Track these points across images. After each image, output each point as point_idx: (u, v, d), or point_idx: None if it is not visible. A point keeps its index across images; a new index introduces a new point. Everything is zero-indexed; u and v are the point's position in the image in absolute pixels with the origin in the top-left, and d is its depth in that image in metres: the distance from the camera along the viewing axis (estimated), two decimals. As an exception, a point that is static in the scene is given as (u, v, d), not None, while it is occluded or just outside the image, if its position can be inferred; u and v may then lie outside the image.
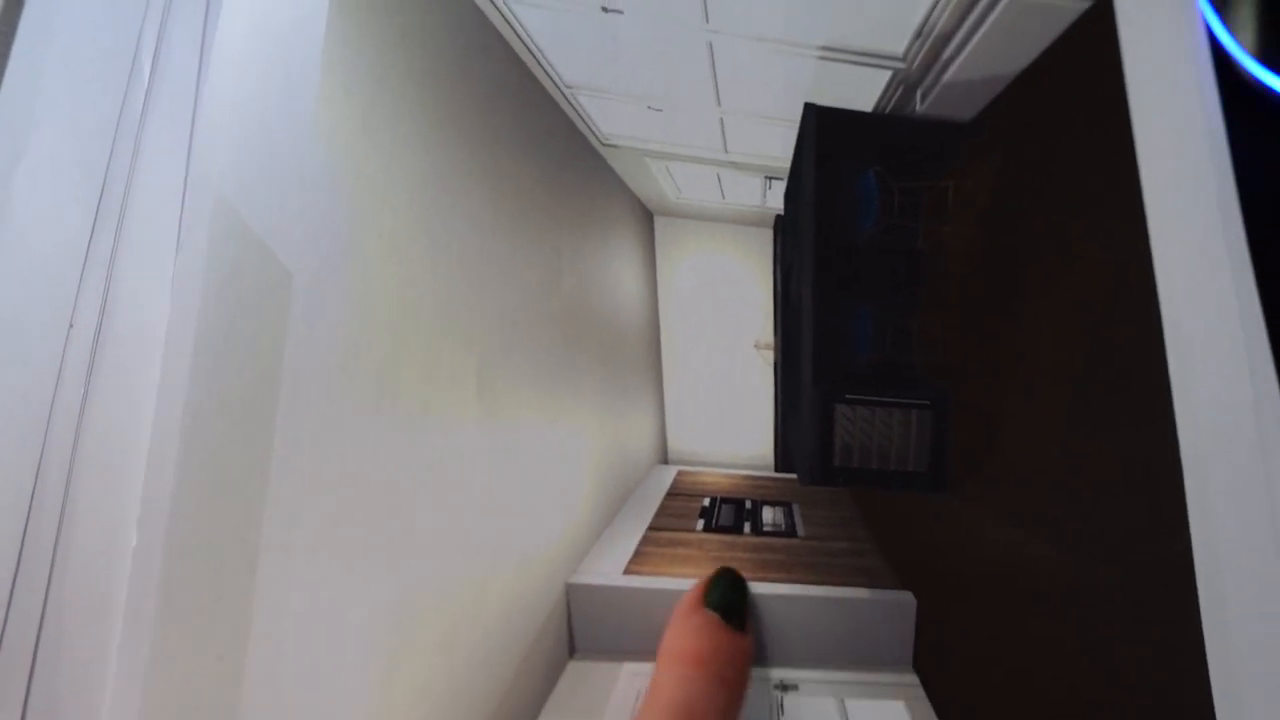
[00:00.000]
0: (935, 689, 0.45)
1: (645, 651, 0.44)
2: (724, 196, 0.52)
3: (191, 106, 0.48)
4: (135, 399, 0.43)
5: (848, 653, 0.45)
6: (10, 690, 0.39)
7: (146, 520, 0.40)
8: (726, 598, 0.43)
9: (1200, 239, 0.50)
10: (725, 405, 0.49)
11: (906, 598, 0.46)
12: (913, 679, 0.45)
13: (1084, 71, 0.54)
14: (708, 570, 0.45)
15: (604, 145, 0.52)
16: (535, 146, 0.51)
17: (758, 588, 0.45)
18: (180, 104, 0.48)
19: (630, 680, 0.43)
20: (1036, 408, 0.49)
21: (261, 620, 0.39)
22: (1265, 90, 0.56)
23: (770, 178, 0.53)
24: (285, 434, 0.42)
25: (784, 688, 0.44)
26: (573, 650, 0.44)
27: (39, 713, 0.39)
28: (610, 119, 0.53)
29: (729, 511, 0.48)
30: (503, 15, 0.51)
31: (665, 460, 0.49)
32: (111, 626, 0.40)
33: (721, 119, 0.53)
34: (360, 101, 0.47)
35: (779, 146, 0.53)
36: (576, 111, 0.52)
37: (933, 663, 0.46)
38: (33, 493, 0.41)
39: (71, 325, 0.44)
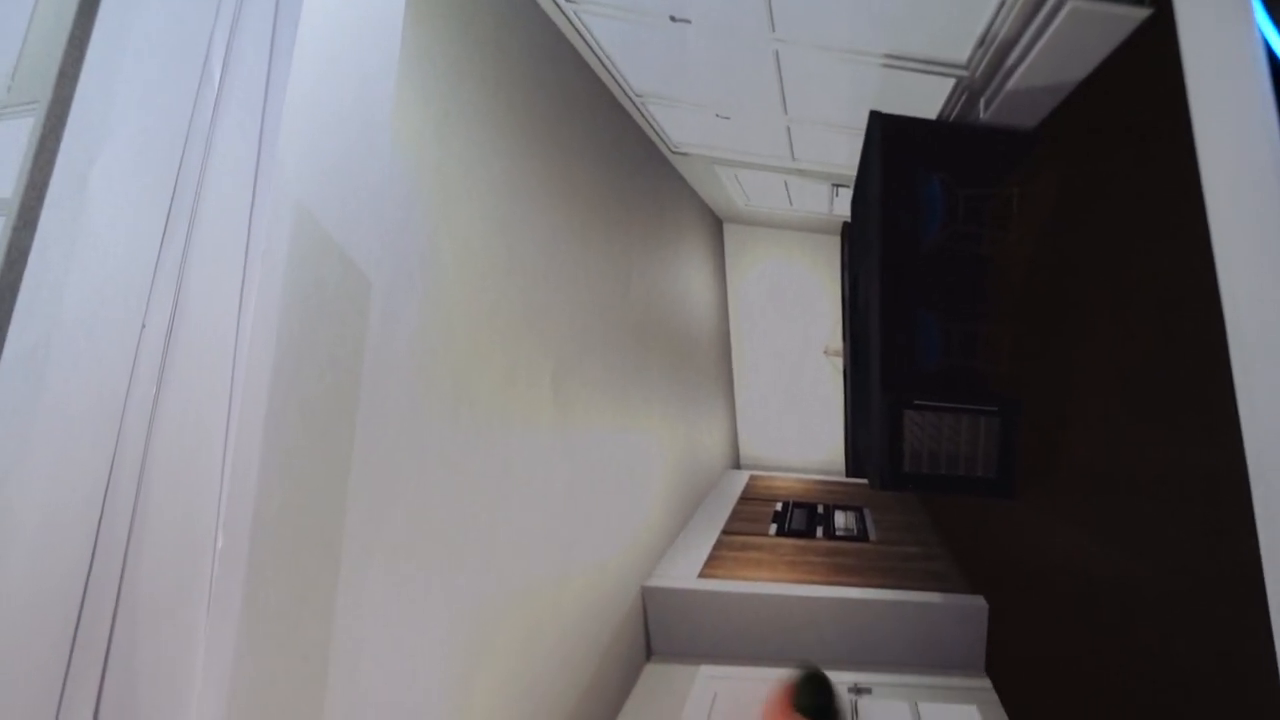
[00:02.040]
0: (1008, 692, 0.46)
1: (722, 655, 0.44)
2: (792, 204, 0.53)
3: (260, 114, 0.49)
4: (208, 400, 0.44)
5: (920, 656, 0.46)
6: (84, 684, 0.40)
7: (231, 522, 0.41)
8: (817, 701, 0.42)
9: (1264, 249, 0.50)
10: (796, 410, 0.50)
11: (978, 602, 0.46)
12: (985, 683, 0.46)
13: (1146, 79, 0.55)
14: (781, 574, 0.45)
15: (674, 153, 0.53)
16: (606, 154, 0.52)
17: (831, 591, 0.45)
18: (250, 111, 0.49)
19: (707, 683, 0.43)
20: (1103, 416, 0.49)
21: (344, 620, 0.40)
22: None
23: (837, 185, 0.54)
24: (366, 437, 0.42)
25: (858, 691, 0.44)
26: (650, 653, 0.45)
27: (114, 707, 0.40)
28: (680, 127, 0.53)
29: (801, 516, 0.48)
30: (573, 25, 0.51)
31: (738, 465, 0.50)
32: (192, 626, 0.41)
33: (788, 127, 0.53)
34: (436, 111, 0.47)
35: (845, 154, 0.54)
36: (647, 120, 0.53)
37: (1005, 666, 0.46)
38: (106, 489, 0.42)
39: (144, 326, 0.45)
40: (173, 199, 0.47)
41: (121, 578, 0.41)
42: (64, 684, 0.40)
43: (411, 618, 0.40)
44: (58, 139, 0.48)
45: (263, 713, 0.38)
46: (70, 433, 0.43)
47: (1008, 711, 0.45)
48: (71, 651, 0.40)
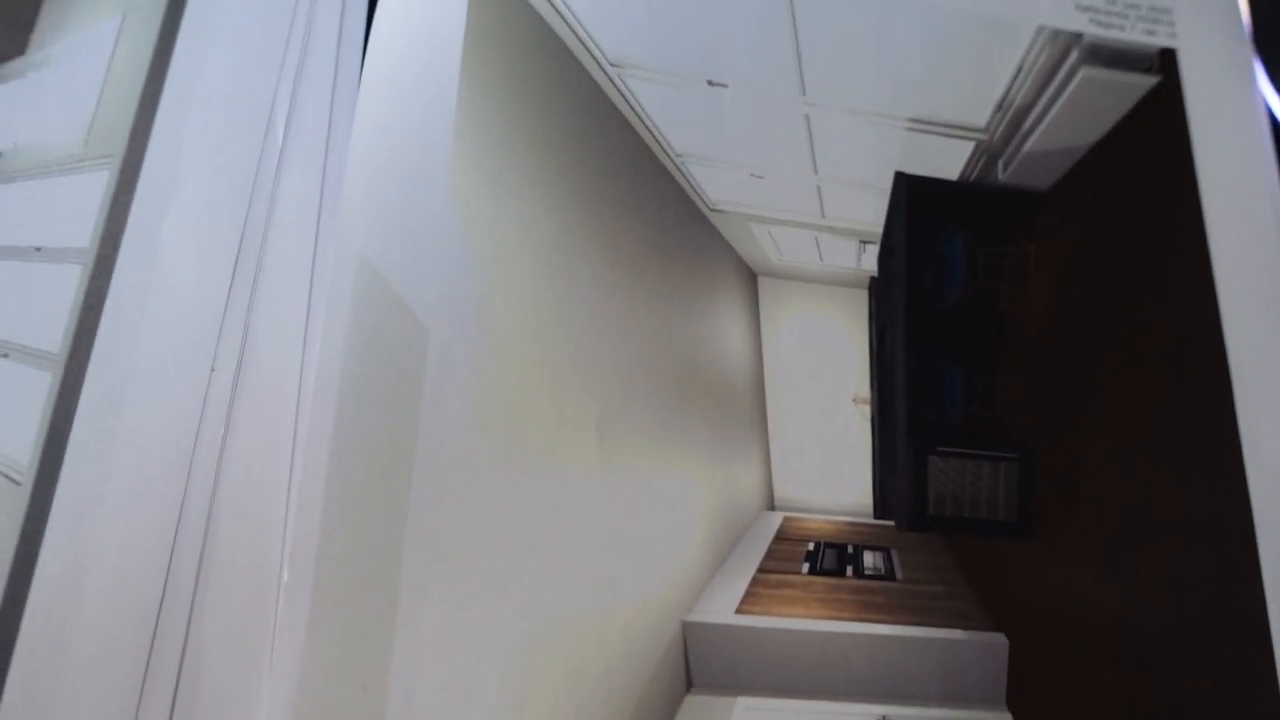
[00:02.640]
0: (1026, 726, 0.48)
1: (758, 687, 0.47)
2: (822, 259, 0.56)
3: (322, 169, 0.52)
4: (274, 441, 0.47)
5: (944, 690, 0.48)
6: (155, 713, 0.42)
7: (296, 557, 0.43)
8: None
9: (1267, 309, 0.53)
10: (826, 456, 0.52)
11: (999, 639, 0.49)
12: (1005, 716, 0.48)
13: (1155, 143, 0.58)
14: (814, 611, 0.48)
15: (712, 210, 0.56)
16: (648, 211, 0.55)
17: (861, 627, 0.48)
18: (312, 166, 0.52)
19: (745, 714, 0.46)
20: (1116, 463, 0.52)
21: (401, 653, 0.42)
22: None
23: (864, 241, 0.56)
24: (423, 478, 0.45)
25: (885, 722, 0.47)
26: (690, 684, 0.47)
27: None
28: (717, 185, 0.56)
29: (832, 556, 0.50)
30: (618, 89, 0.55)
31: (772, 507, 0.52)
32: (257, 656, 0.43)
33: (818, 186, 0.56)
34: (489, 170, 0.50)
35: (872, 212, 0.56)
36: (686, 178, 0.56)
37: (1024, 700, 0.48)
38: (177, 526, 0.44)
39: (213, 369, 0.47)
40: (240, 249, 0.50)
41: (191, 611, 0.43)
42: (136, 713, 0.42)
43: (465, 650, 0.42)
44: (131, 191, 0.51)
45: (327, 741, 0.40)
46: (144, 471, 0.45)
47: (1027, 744, 0.47)
48: (144, 682, 0.43)
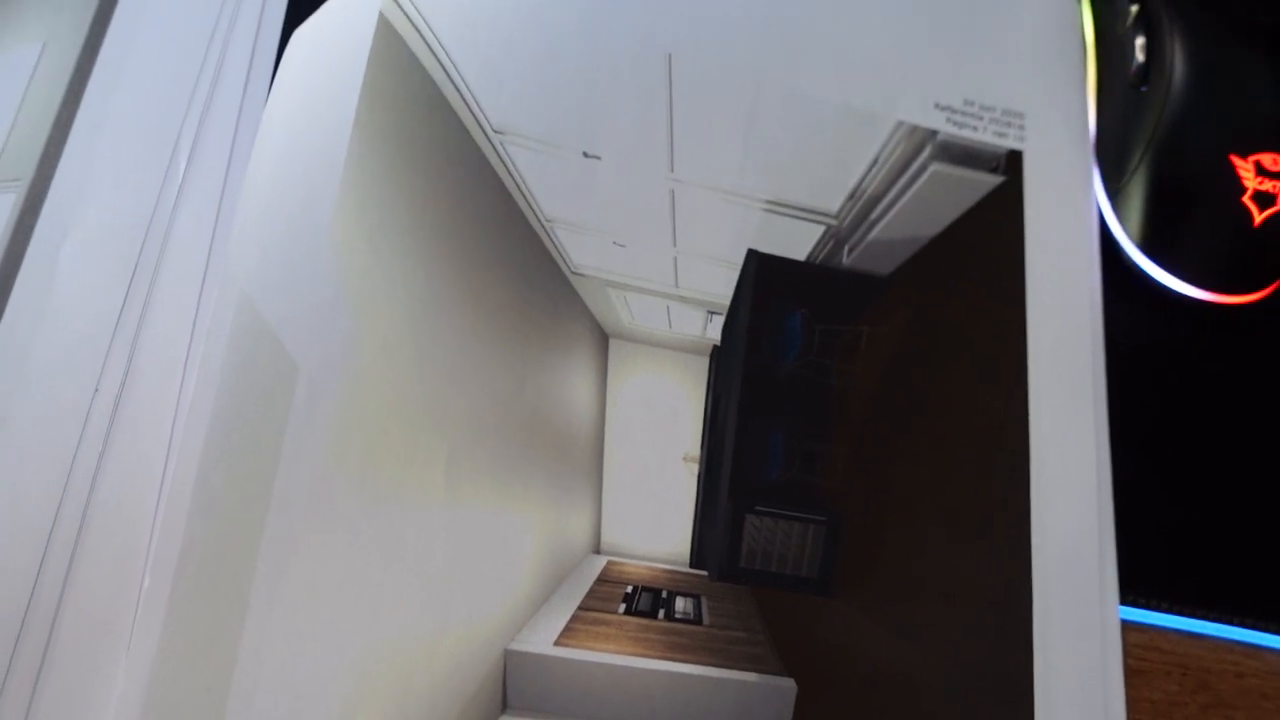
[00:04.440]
0: (802, 764, 0.54)
1: (567, 713, 0.52)
2: (671, 326, 0.60)
3: (216, 208, 0.56)
4: (147, 458, 0.51)
5: (735, 727, 0.53)
6: (18, 696, 0.46)
7: (157, 567, 0.48)
8: None
9: (1072, 404, 0.59)
10: (653, 508, 0.57)
11: (788, 683, 0.54)
12: (785, 754, 0.54)
13: (991, 240, 0.63)
14: (625, 648, 0.53)
15: (573, 274, 0.60)
16: (514, 269, 0.59)
17: (666, 665, 0.53)
18: (208, 205, 0.56)
19: (550, 737, 0.51)
20: (916, 532, 0.58)
21: (245, 660, 0.47)
22: (1142, 274, 0.66)
23: (711, 312, 0.61)
24: (280, 503, 0.49)
25: (677, 752, 0.52)
26: (505, 706, 0.52)
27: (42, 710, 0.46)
28: (580, 251, 0.60)
29: (647, 599, 0.55)
30: (498, 154, 0.59)
31: (598, 550, 0.57)
32: (113, 656, 0.47)
33: (675, 258, 0.61)
34: (371, 221, 0.55)
35: (722, 285, 0.61)
36: (553, 241, 0.60)
37: (804, 742, 0.54)
38: (50, 529, 0.49)
39: (97, 390, 0.51)
40: (132, 278, 0.54)
41: (57, 609, 0.48)
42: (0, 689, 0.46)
43: (303, 661, 0.47)
44: (36, 214, 0.54)
45: (167, 733, 0.45)
46: (24, 479, 0.49)
47: (799, 780, 0.53)
48: (9, 668, 0.47)
